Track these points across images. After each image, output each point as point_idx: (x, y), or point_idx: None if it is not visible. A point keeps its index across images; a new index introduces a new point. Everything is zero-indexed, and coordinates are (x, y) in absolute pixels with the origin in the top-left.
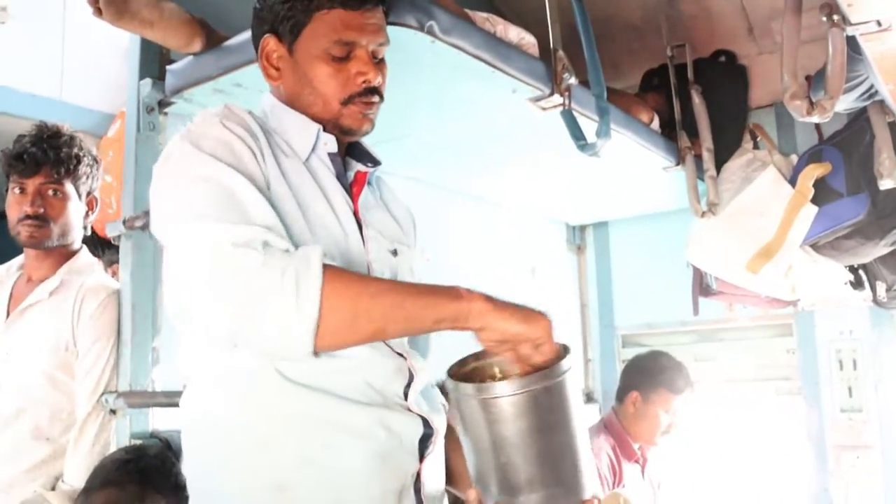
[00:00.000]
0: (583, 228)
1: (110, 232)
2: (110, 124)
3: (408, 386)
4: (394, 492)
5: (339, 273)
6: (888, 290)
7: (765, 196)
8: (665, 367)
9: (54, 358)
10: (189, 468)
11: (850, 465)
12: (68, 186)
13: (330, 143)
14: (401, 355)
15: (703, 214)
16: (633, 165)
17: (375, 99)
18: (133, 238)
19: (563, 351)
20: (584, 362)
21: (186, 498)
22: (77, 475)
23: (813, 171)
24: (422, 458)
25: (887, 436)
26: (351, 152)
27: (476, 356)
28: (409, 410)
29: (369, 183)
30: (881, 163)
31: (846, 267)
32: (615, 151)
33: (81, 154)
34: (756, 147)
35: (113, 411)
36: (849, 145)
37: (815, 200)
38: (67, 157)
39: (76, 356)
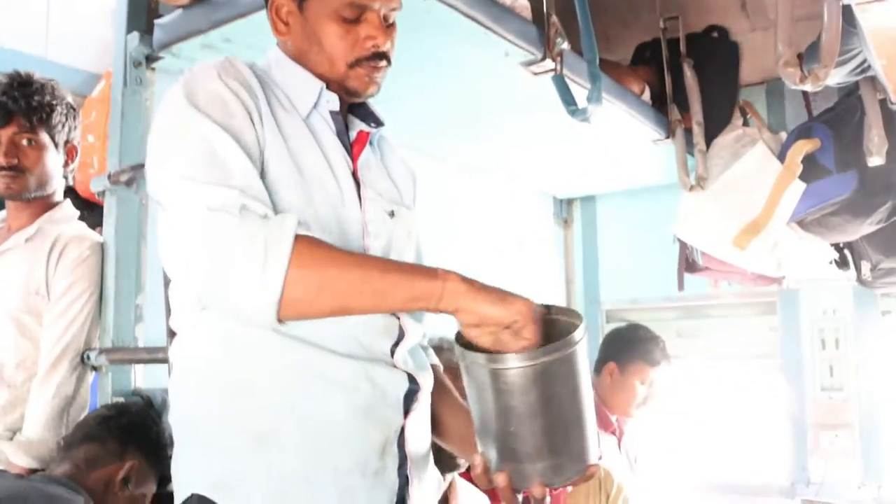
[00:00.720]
0: (570, 202)
1: (94, 187)
2: (96, 84)
3: (396, 344)
4: (376, 445)
5: (310, 243)
6: (873, 269)
7: (753, 172)
8: (642, 339)
9: (23, 301)
10: (174, 417)
11: (829, 444)
12: (43, 135)
13: (332, 101)
14: (393, 314)
15: (691, 188)
16: (622, 137)
17: (383, 63)
18: (118, 193)
19: (576, 319)
20: None
21: (167, 456)
22: (35, 428)
23: (802, 147)
24: (406, 413)
25: (866, 415)
26: (354, 111)
27: None
28: (395, 367)
29: (371, 143)
30: (870, 139)
31: (832, 245)
32: (605, 121)
33: (55, 102)
34: (746, 124)
35: (95, 368)
36: (838, 122)
37: (803, 177)
38: (40, 105)
39: (46, 301)
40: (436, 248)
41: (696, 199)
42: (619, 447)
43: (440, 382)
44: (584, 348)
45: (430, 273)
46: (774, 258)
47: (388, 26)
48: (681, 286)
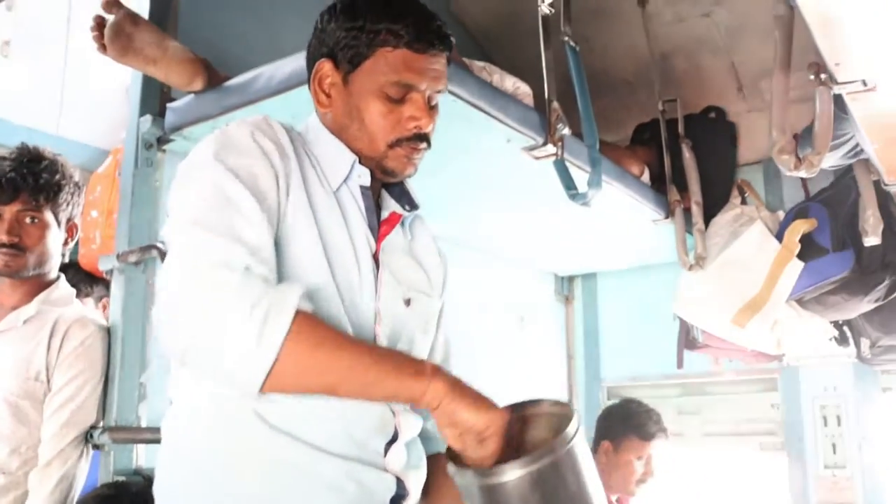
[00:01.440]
0: (571, 279)
1: (102, 266)
2: (103, 160)
3: (391, 442)
4: None
5: (309, 320)
6: (872, 346)
7: (752, 250)
8: (634, 414)
9: (20, 387)
10: (157, 488)
11: None
12: (47, 214)
13: (364, 176)
14: (391, 410)
15: (690, 267)
16: (622, 217)
17: (423, 146)
18: (126, 273)
19: (569, 412)
20: None
21: None
22: None
23: (799, 227)
24: None
25: (870, 492)
26: (390, 190)
27: None
28: (385, 469)
29: (402, 225)
30: (866, 220)
31: (831, 323)
32: (605, 203)
33: (63, 181)
34: (744, 202)
35: (97, 447)
36: (835, 202)
37: (801, 256)
38: (48, 184)
39: (47, 389)
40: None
41: (696, 277)
42: None
43: (439, 477)
44: (581, 441)
45: (419, 370)
46: (774, 336)
47: (431, 108)
48: (680, 364)
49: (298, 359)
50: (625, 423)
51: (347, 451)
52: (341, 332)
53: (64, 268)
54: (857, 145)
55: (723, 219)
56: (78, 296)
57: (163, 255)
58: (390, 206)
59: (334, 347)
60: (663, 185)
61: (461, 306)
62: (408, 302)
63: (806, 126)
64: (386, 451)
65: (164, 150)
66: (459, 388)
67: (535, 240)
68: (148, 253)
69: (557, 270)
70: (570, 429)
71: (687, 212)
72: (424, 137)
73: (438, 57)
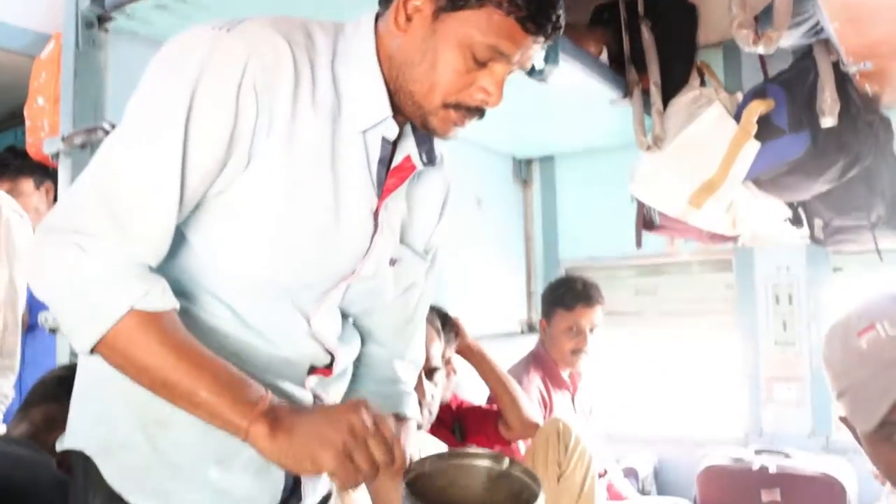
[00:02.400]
0: (529, 162)
1: (48, 149)
2: (45, 45)
3: (317, 368)
4: None
5: (134, 327)
6: (825, 227)
7: (709, 132)
8: (557, 287)
9: None
10: (81, 368)
11: (781, 395)
12: None
13: (391, 130)
14: (326, 350)
15: (648, 148)
16: (580, 97)
17: (476, 118)
18: (72, 156)
19: (535, 485)
20: (527, 295)
21: None
22: None
23: (756, 108)
24: None
25: (817, 368)
26: (416, 129)
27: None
28: (303, 386)
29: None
30: (823, 101)
31: (786, 204)
32: (563, 82)
33: None
34: (703, 84)
35: (53, 330)
36: (793, 83)
37: (758, 137)
38: None
39: None
40: None
41: (653, 159)
42: (573, 402)
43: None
44: None
45: (243, 409)
46: (729, 217)
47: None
48: (638, 244)
49: (113, 360)
50: (552, 298)
51: (271, 367)
52: (175, 341)
53: (14, 158)
54: (816, 24)
55: (681, 100)
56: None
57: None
58: (408, 146)
59: (153, 362)
60: (622, 67)
61: None
62: (393, 262)
63: (767, 5)
64: (310, 372)
65: (106, 30)
66: (283, 432)
67: (492, 121)
68: (94, 134)
69: (515, 153)
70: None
71: (645, 93)
72: (482, 112)
73: (540, 43)
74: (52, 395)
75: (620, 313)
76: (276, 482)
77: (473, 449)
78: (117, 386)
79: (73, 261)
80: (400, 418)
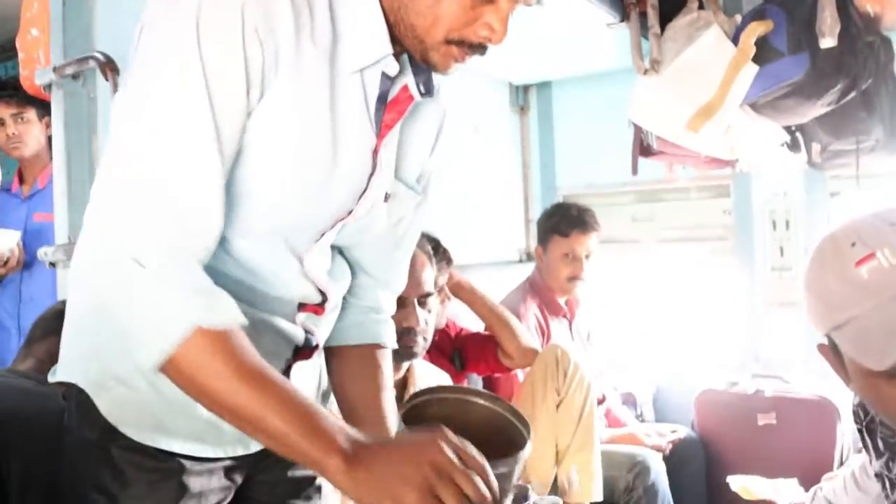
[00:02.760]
0: (526, 89)
1: (39, 80)
2: None
3: (308, 306)
4: None
5: (202, 349)
6: (823, 151)
7: (707, 55)
8: (552, 215)
9: None
10: (72, 304)
11: (778, 321)
12: None
13: (390, 66)
14: (315, 285)
15: (645, 72)
16: (576, 21)
17: (478, 55)
18: (64, 87)
19: (524, 427)
20: (524, 223)
21: None
22: None
23: (755, 29)
24: (296, 357)
25: None
26: (412, 58)
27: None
28: (294, 322)
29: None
30: (823, 21)
31: (784, 128)
32: (559, 4)
33: None
34: (701, 7)
35: (53, 264)
36: (792, 4)
37: (756, 59)
38: None
39: None
40: None
41: (651, 83)
42: (571, 330)
43: (354, 368)
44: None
45: (320, 441)
46: (727, 141)
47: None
48: (635, 171)
49: (180, 383)
50: (547, 225)
51: (263, 305)
52: (244, 367)
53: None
54: None
55: (679, 23)
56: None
57: (101, 65)
58: (406, 76)
59: (223, 389)
60: None
61: None
62: (387, 198)
63: None
64: (300, 309)
65: None
66: (363, 468)
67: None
68: (85, 64)
69: (512, 79)
70: (526, 450)
71: (642, 16)
72: (484, 49)
73: None
74: (54, 329)
75: (618, 240)
76: None
77: (473, 388)
78: (111, 323)
79: (131, 281)
80: (380, 347)
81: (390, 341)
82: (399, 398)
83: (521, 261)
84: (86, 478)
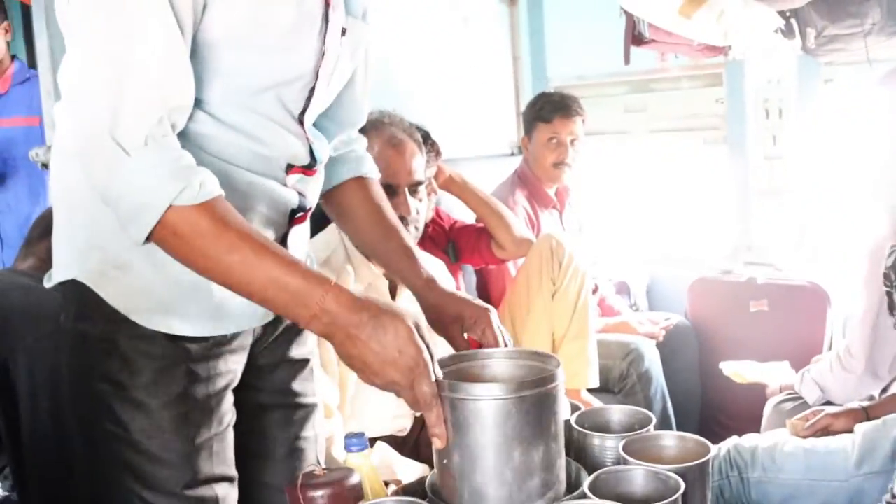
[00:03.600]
0: None
1: None
2: None
3: (296, 167)
4: None
5: (185, 221)
6: (817, 36)
7: None
8: (535, 103)
9: None
10: (58, 191)
11: (770, 209)
12: None
13: None
14: (307, 142)
15: None
16: None
17: None
18: None
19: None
20: (515, 116)
21: None
22: None
23: None
24: (291, 223)
25: (806, 181)
26: None
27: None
28: (286, 185)
29: None
30: None
31: (778, 13)
32: None
33: None
34: None
35: (45, 165)
36: None
37: None
38: None
39: None
40: (379, 27)
41: None
42: (561, 220)
43: (352, 200)
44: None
45: (303, 301)
46: (720, 27)
47: None
48: (627, 60)
49: (170, 251)
50: (531, 113)
51: (255, 167)
52: (229, 231)
53: None
54: None
55: None
56: None
57: None
58: None
59: (212, 253)
60: None
61: (405, 7)
62: (344, 32)
63: None
64: (288, 171)
65: None
66: (354, 328)
67: None
68: None
69: None
70: (556, 375)
71: None
72: None
73: None
74: (52, 229)
75: (610, 132)
76: None
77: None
78: (105, 209)
79: (117, 163)
80: (363, 178)
81: (374, 172)
82: (392, 289)
83: (512, 154)
84: (92, 370)
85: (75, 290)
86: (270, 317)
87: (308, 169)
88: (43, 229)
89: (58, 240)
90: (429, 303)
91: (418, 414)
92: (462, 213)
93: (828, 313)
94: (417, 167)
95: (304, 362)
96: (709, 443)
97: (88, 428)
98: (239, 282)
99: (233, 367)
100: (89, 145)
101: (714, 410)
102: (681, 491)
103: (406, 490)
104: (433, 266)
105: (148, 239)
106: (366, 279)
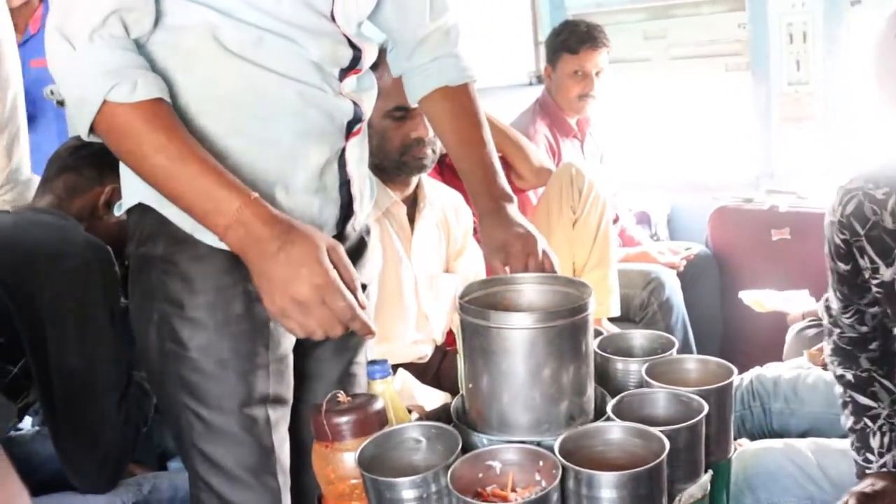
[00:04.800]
0: None
1: None
2: None
3: (347, 71)
4: (319, 165)
5: (117, 118)
6: None
7: None
8: (561, 31)
9: None
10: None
11: (793, 136)
12: None
13: None
14: (349, 42)
15: None
16: None
17: None
18: None
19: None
20: (533, 45)
21: None
22: None
23: None
24: (348, 136)
25: (830, 107)
26: None
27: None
28: (341, 94)
29: None
30: None
31: None
32: None
33: None
34: None
35: (61, 103)
36: None
37: None
38: None
39: None
40: None
41: None
42: (583, 150)
43: (447, 108)
44: (587, 323)
45: (218, 208)
46: None
47: None
48: None
49: (111, 144)
50: (556, 43)
51: (306, 77)
52: (158, 137)
53: None
54: None
55: None
56: None
57: None
58: None
59: (138, 151)
60: None
61: None
62: None
63: None
64: (342, 77)
65: None
66: (267, 238)
67: None
68: None
69: None
70: (585, 304)
71: None
72: None
73: None
74: (68, 165)
75: (629, 59)
76: (335, 201)
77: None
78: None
79: (64, 56)
80: (446, 89)
81: (463, 77)
82: (410, 216)
83: (530, 83)
84: (155, 292)
85: (140, 215)
86: (336, 219)
87: (354, 69)
88: (59, 166)
89: (125, 169)
90: (485, 230)
91: (440, 342)
92: None
93: None
94: None
95: (363, 287)
96: (731, 365)
97: (149, 349)
98: (163, 184)
99: None
100: (48, 41)
101: (735, 339)
102: (704, 412)
103: (429, 416)
104: (445, 194)
105: (91, 132)
106: (383, 204)
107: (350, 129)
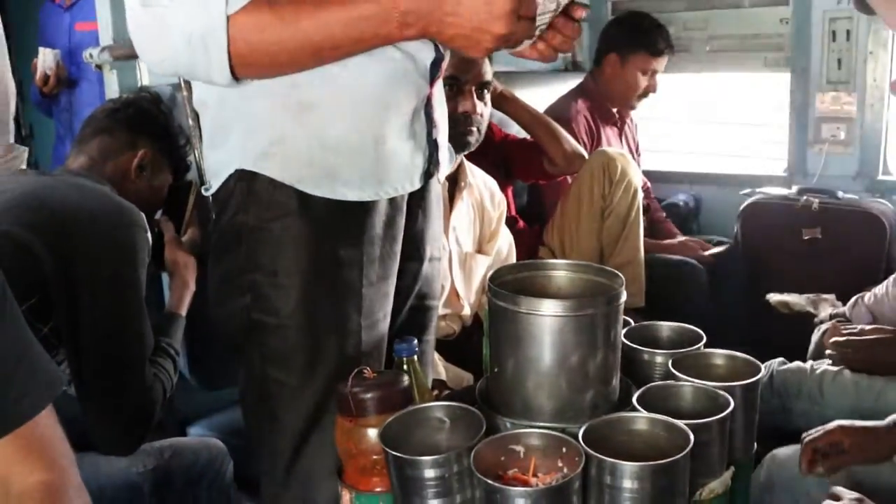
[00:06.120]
0: None
1: None
2: None
3: None
4: (409, 111)
5: (247, 24)
6: None
7: None
8: (646, 29)
9: None
10: (204, 97)
11: (830, 136)
12: None
13: None
14: None
15: None
16: None
17: None
18: None
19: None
20: None
21: (179, 146)
22: None
23: None
24: (432, 82)
25: (869, 108)
26: None
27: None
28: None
29: None
30: None
31: None
32: None
33: None
34: None
35: (99, 66)
36: None
37: None
38: None
39: None
40: None
41: None
42: (621, 138)
43: None
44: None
45: (382, 7)
46: None
47: None
48: None
49: (256, 64)
50: (634, 37)
51: None
52: (286, 13)
53: None
54: None
55: None
56: None
57: None
58: None
59: (284, 37)
60: None
61: None
62: None
63: None
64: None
65: None
66: (438, 4)
67: None
68: None
69: None
70: (620, 293)
71: None
72: None
73: None
74: (103, 127)
75: None
76: (424, 147)
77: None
78: (251, 96)
79: (157, 17)
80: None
81: None
82: (451, 195)
83: (565, 69)
84: (246, 262)
85: (232, 186)
86: (425, 167)
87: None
88: (94, 129)
89: (212, 144)
90: None
91: (468, 322)
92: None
93: (885, 245)
94: (487, 68)
95: (437, 261)
96: (758, 362)
97: (233, 322)
98: (323, 43)
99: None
100: (134, 27)
101: (761, 336)
102: (730, 408)
103: (453, 396)
104: (481, 178)
105: (233, 74)
106: None
107: (433, 74)
